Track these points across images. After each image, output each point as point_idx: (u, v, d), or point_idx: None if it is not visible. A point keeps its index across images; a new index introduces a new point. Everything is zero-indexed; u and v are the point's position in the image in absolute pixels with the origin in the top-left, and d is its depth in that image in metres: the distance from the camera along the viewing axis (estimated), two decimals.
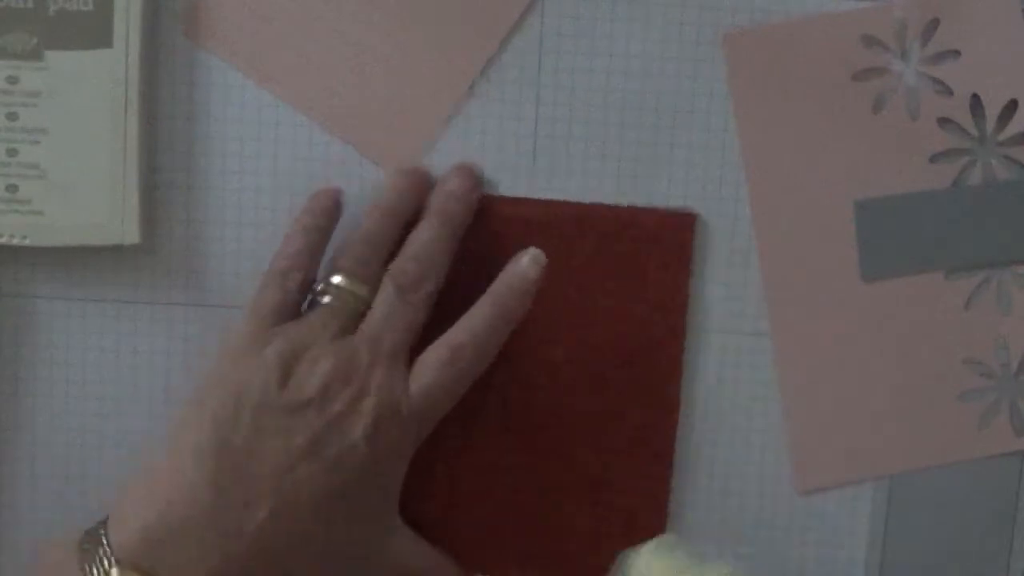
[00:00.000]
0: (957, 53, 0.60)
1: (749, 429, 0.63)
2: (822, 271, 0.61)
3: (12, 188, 0.58)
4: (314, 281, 0.58)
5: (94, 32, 0.57)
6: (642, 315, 0.61)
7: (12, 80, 0.57)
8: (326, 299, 0.57)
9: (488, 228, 0.60)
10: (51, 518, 0.63)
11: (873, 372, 0.62)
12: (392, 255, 0.58)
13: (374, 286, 0.57)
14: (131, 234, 0.59)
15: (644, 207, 0.61)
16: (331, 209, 0.59)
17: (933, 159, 0.61)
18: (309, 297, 0.58)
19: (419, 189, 0.59)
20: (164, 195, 0.61)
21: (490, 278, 0.59)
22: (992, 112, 0.60)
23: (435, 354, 0.57)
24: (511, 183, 0.61)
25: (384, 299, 0.56)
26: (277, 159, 0.61)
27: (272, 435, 0.53)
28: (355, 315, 0.57)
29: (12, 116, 0.57)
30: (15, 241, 0.58)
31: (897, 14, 0.60)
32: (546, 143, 0.61)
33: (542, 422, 0.61)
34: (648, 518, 0.62)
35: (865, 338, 0.62)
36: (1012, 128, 0.60)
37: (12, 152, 0.58)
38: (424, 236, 0.58)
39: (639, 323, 0.61)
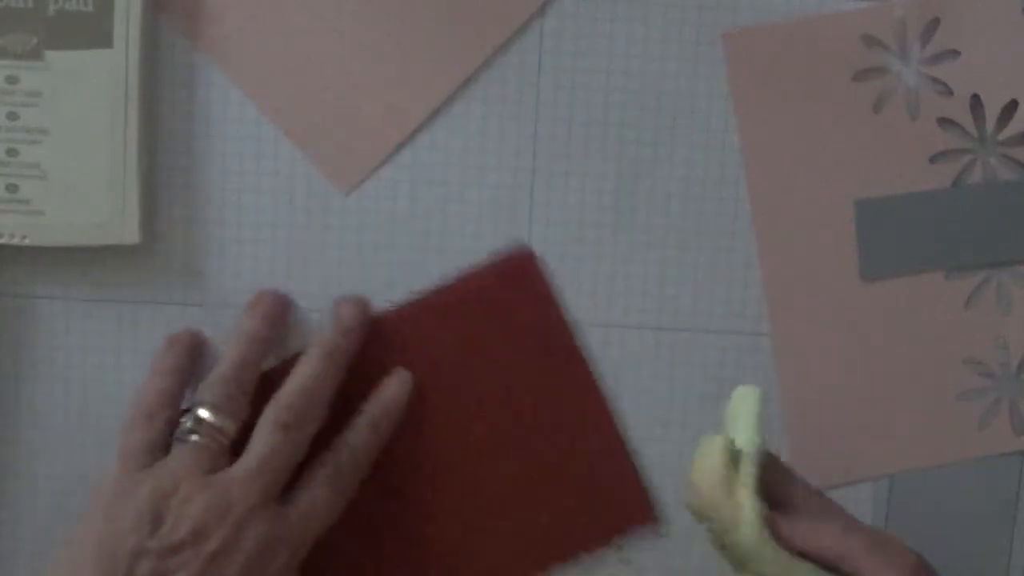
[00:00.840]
0: (957, 53, 0.60)
1: None
2: (822, 271, 0.62)
3: (12, 188, 0.58)
4: (179, 416, 0.57)
5: (94, 32, 0.57)
6: (532, 355, 0.62)
7: (12, 80, 0.57)
8: (194, 437, 0.56)
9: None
10: (51, 518, 0.63)
11: (873, 372, 0.62)
12: (255, 385, 0.58)
13: (240, 418, 0.57)
14: (131, 234, 0.59)
15: (479, 267, 0.61)
16: (192, 347, 0.59)
17: (933, 159, 0.61)
18: (177, 433, 0.57)
19: (282, 313, 0.60)
20: (164, 195, 0.61)
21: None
22: (992, 112, 0.60)
23: (318, 472, 0.57)
24: (511, 183, 0.61)
25: (264, 436, 0.56)
26: (277, 159, 0.61)
27: None
28: (224, 449, 0.56)
29: (12, 116, 0.57)
30: (15, 241, 0.58)
31: (897, 14, 0.60)
32: (546, 143, 0.61)
33: (487, 497, 0.62)
34: (637, 516, 0.62)
35: (865, 338, 0.62)
36: (1012, 128, 0.61)
37: (12, 152, 0.58)
38: (309, 371, 0.58)
39: (535, 366, 0.62)
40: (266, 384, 0.58)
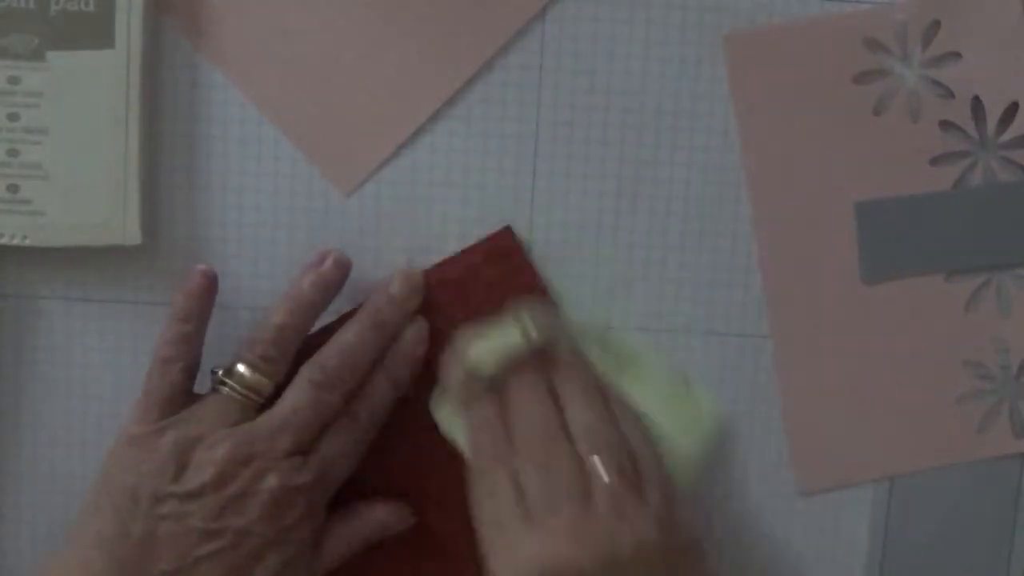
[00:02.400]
0: (958, 55, 0.60)
1: (749, 431, 0.63)
2: (822, 272, 0.62)
3: (13, 188, 0.58)
4: (199, 363, 0.58)
5: (96, 32, 0.57)
6: None
7: (14, 80, 0.57)
8: (225, 389, 0.57)
9: None
10: (51, 518, 0.63)
11: (873, 374, 0.62)
12: (298, 348, 0.58)
13: (276, 380, 0.57)
14: (132, 234, 0.59)
15: (465, 248, 0.62)
16: (205, 290, 0.59)
17: (934, 161, 0.61)
18: (212, 380, 0.58)
19: (332, 285, 0.60)
20: (164, 195, 0.61)
21: None
22: (993, 114, 0.60)
23: (337, 423, 0.58)
24: (512, 185, 0.61)
25: (294, 392, 0.57)
26: (277, 160, 0.61)
27: (170, 521, 0.55)
28: (254, 406, 0.57)
29: (14, 116, 0.57)
30: (16, 241, 0.58)
31: (898, 17, 0.60)
32: (547, 144, 0.61)
33: None
34: None
35: (865, 340, 0.62)
36: (1013, 131, 0.61)
37: (13, 152, 0.58)
38: (349, 335, 0.58)
39: None
40: (312, 347, 0.58)
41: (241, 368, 0.57)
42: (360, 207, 0.61)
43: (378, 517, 0.60)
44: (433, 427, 0.61)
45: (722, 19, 0.60)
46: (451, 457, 0.60)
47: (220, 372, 0.57)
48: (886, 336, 0.62)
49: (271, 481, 0.55)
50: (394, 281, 0.60)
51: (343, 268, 0.60)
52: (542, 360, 0.59)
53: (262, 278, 0.61)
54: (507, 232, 0.61)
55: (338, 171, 0.61)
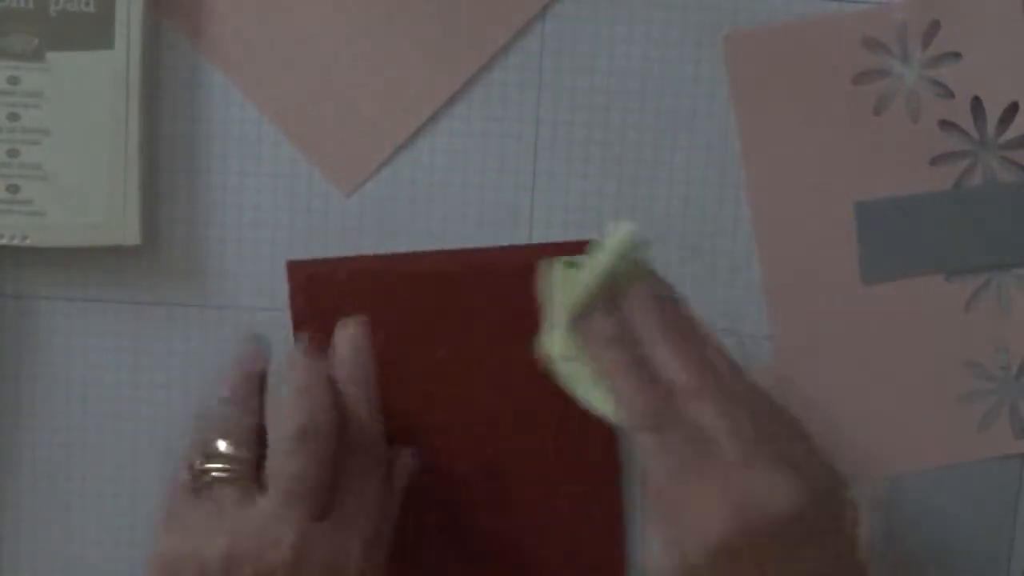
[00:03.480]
0: (958, 55, 0.60)
1: None
2: (823, 273, 0.62)
3: (13, 188, 0.58)
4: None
5: (95, 33, 0.57)
6: None
7: (14, 81, 0.57)
8: (219, 470, 0.55)
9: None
10: (51, 518, 0.63)
11: (873, 374, 0.62)
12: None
13: (250, 443, 0.55)
14: (131, 234, 0.59)
15: (554, 243, 0.61)
16: (252, 370, 0.59)
17: (934, 161, 0.61)
18: (191, 477, 0.56)
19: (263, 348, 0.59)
20: (164, 195, 0.61)
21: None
22: (993, 115, 0.60)
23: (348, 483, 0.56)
24: (512, 185, 0.61)
25: (284, 451, 0.54)
26: (277, 160, 0.61)
27: None
28: (247, 476, 0.55)
29: (13, 117, 0.57)
30: (16, 241, 0.58)
31: (898, 16, 0.60)
32: (547, 145, 0.61)
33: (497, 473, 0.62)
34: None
35: (865, 340, 0.62)
36: (1013, 130, 0.61)
37: (13, 153, 0.58)
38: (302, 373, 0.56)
39: None
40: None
41: (222, 446, 0.55)
42: (360, 207, 0.61)
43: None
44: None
45: (722, 19, 0.60)
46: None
47: (201, 463, 0.55)
48: (886, 336, 0.62)
49: (316, 554, 0.53)
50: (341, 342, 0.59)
51: (263, 357, 0.59)
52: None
53: (262, 278, 0.61)
54: (583, 247, 0.61)
55: (338, 171, 0.61)
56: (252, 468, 0.55)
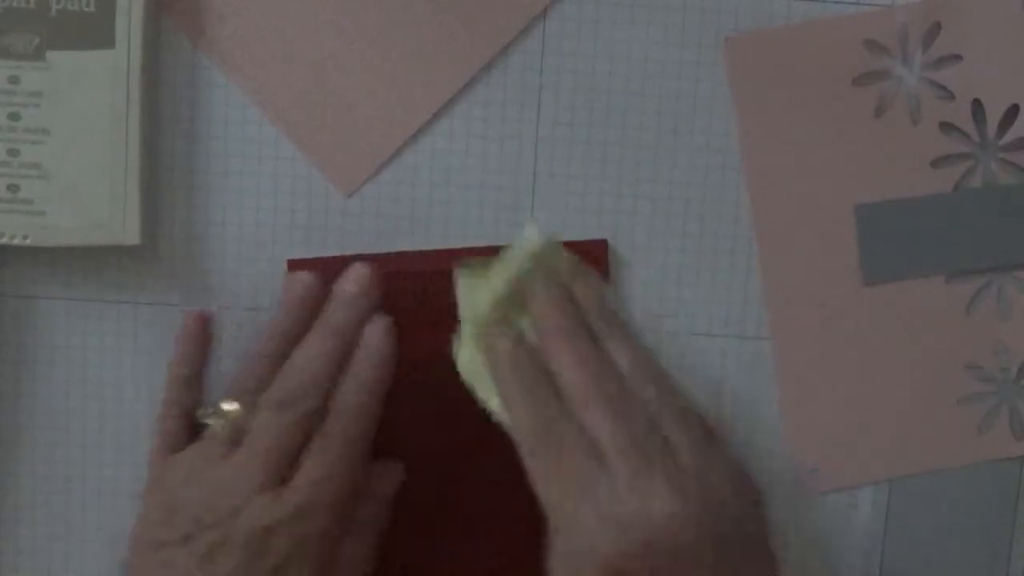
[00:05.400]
0: (959, 58, 0.60)
1: (749, 433, 0.63)
2: (823, 275, 0.62)
3: (14, 188, 0.58)
4: (201, 403, 0.58)
5: (96, 32, 0.57)
6: None
7: (14, 80, 0.57)
8: (210, 424, 0.56)
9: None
10: (51, 518, 0.63)
11: (873, 376, 0.62)
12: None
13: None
14: (131, 234, 0.59)
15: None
16: (200, 332, 0.59)
17: (934, 163, 0.61)
18: (196, 419, 0.57)
19: (315, 303, 0.58)
20: (164, 195, 0.61)
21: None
22: (993, 117, 0.60)
23: (311, 446, 0.55)
24: (512, 186, 0.61)
25: (259, 415, 0.55)
26: (278, 160, 0.61)
27: (173, 568, 0.54)
28: (240, 437, 0.55)
29: (14, 116, 0.57)
30: (16, 241, 0.58)
31: (899, 19, 0.60)
32: (547, 145, 0.61)
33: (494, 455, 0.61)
34: None
35: (865, 342, 0.62)
36: (1013, 133, 0.61)
37: (14, 152, 0.58)
38: (306, 352, 0.56)
39: None
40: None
41: (226, 405, 0.56)
42: (360, 207, 0.61)
43: (374, 490, 0.58)
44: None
45: (722, 20, 0.60)
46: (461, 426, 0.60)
47: (207, 412, 0.57)
48: (886, 338, 0.62)
49: (244, 520, 0.53)
50: (342, 282, 0.58)
51: (314, 287, 0.58)
52: (567, 300, 0.56)
53: (262, 278, 0.61)
54: (602, 243, 0.61)
55: (338, 171, 0.61)
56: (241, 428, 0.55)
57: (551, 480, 0.53)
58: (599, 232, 0.61)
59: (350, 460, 0.55)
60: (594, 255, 0.61)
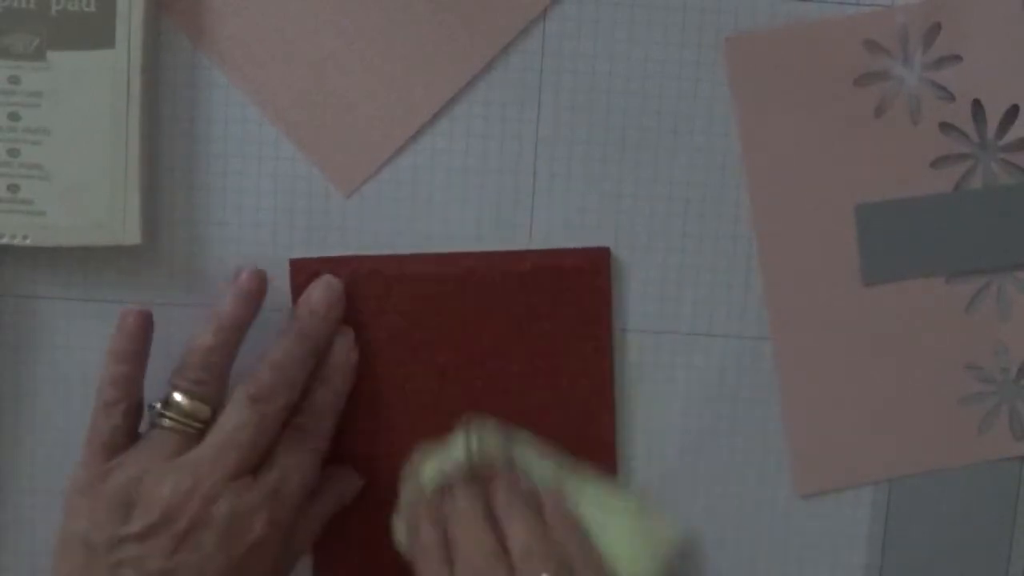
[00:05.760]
0: (959, 58, 0.60)
1: (750, 432, 0.63)
2: (823, 275, 0.62)
3: (14, 188, 0.58)
4: (142, 403, 0.58)
5: (96, 32, 0.57)
6: (570, 352, 0.62)
7: (14, 80, 0.57)
8: (165, 421, 0.56)
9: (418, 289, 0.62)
10: (51, 519, 0.62)
11: (873, 376, 0.62)
12: (230, 367, 0.58)
13: (214, 403, 0.57)
14: (131, 234, 0.59)
15: (558, 249, 0.61)
16: (141, 329, 0.58)
17: (934, 164, 0.61)
18: (149, 416, 0.57)
19: (253, 297, 0.59)
20: (164, 195, 0.61)
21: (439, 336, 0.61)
22: (993, 117, 0.60)
23: (283, 439, 0.58)
24: (512, 186, 0.61)
25: (231, 411, 0.56)
26: (278, 160, 0.61)
27: (129, 567, 0.54)
28: (197, 434, 0.56)
29: (14, 116, 0.57)
30: (16, 241, 0.58)
31: (899, 19, 0.60)
32: (547, 146, 0.61)
33: None
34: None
35: (865, 342, 0.62)
36: (1013, 133, 0.61)
37: (14, 152, 0.58)
38: (283, 349, 0.58)
39: (569, 361, 0.62)
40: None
41: (177, 397, 0.56)
42: (360, 207, 0.61)
43: (332, 491, 0.61)
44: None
45: (722, 20, 0.60)
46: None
47: (157, 406, 0.57)
48: (886, 338, 0.62)
49: (221, 507, 0.55)
50: (312, 292, 0.60)
51: (260, 279, 0.59)
52: (483, 478, 0.59)
53: None
54: (604, 251, 0.61)
55: (338, 171, 0.61)
56: (202, 425, 0.57)
57: None
58: (598, 232, 0.61)
59: (316, 455, 0.59)
60: (596, 263, 0.61)
